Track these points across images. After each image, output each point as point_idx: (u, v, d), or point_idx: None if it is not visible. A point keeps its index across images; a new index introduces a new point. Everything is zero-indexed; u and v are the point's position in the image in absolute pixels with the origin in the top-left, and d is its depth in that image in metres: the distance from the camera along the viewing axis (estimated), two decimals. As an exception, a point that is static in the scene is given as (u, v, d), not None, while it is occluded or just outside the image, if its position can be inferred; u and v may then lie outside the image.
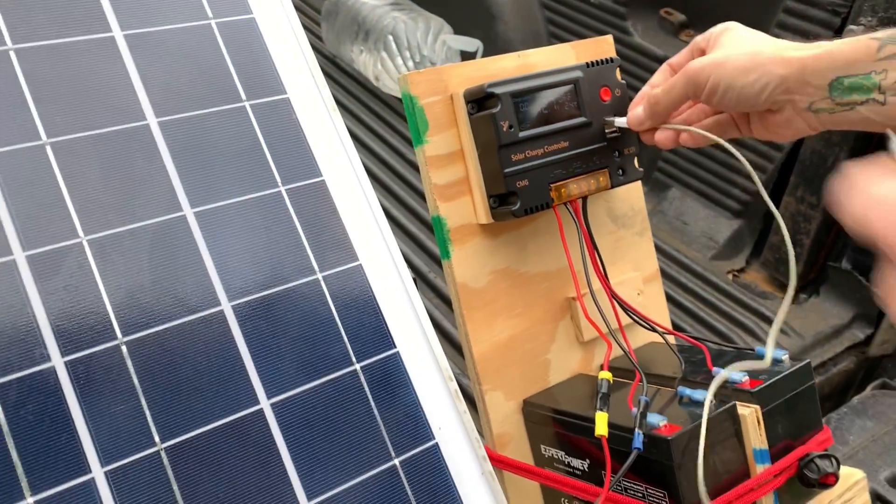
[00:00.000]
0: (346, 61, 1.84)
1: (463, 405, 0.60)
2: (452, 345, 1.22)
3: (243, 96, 0.61)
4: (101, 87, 0.57)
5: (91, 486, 0.47)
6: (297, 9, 2.06)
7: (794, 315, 1.23)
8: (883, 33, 0.59)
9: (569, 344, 0.85)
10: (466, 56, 1.71)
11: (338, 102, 1.76)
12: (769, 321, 1.21)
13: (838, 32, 1.14)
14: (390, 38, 1.67)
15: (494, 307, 0.80)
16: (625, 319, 0.80)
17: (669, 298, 1.25)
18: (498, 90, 0.73)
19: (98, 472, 0.48)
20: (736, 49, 0.65)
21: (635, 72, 1.49)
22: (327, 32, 1.86)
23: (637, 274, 0.91)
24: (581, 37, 1.59)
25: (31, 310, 0.49)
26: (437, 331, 1.20)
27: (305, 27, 2.08)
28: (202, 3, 0.62)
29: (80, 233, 0.52)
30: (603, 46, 0.88)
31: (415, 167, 1.45)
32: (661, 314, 0.94)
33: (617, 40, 1.54)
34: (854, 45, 0.60)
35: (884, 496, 0.96)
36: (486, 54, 1.67)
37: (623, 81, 0.81)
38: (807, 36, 1.20)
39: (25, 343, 0.48)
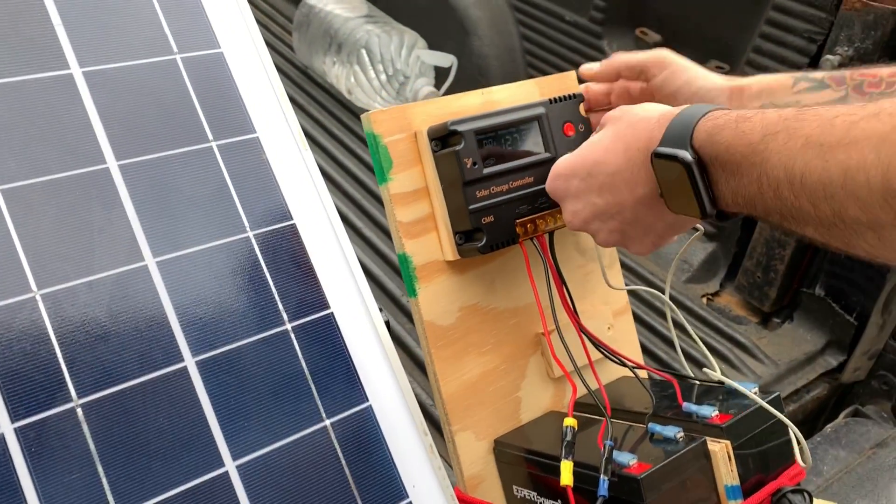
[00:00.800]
0: (318, 73, 1.81)
1: (438, 461, 0.58)
2: (425, 373, 1.19)
3: (210, 136, 0.58)
4: (58, 128, 0.53)
5: (42, 564, 0.44)
6: (269, 17, 2.01)
7: (767, 341, 1.23)
8: (799, 73, 0.74)
9: (540, 380, 0.84)
10: (440, 71, 1.69)
11: (309, 115, 1.73)
12: (743, 347, 1.20)
13: (814, 60, 1.14)
14: (363, 51, 1.64)
15: (463, 344, 0.78)
16: (596, 354, 0.80)
17: (642, 322, 1.24)
18: (461, 128, 0.72)
19: (50, 548, 0.45)
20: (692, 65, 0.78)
21: (610, 91, 1.48)
22: (299, 43, 1.83)
23: (607, 307, 0.90)
24: (556, 54, 1.57)
25: (-21, 372, 0.46)
26: (410, 359, 1.18)
27: (277, 36, 2.04)
28: (167, 37, 0.59)
29: (34, 287, 0.49)
30: (566, 82, 0.87)
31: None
32: (632, 347, 0.93)
33: (591, 59, 1.52)
34: (776, 79, 0.74)
35: (858, 530, 0.96)
36: (459, 70, 1.65)
37: (587, 117, 0.81)
38: (783, 62, 1.20)
39: (-28, 409, 0.45)
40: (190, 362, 0.52)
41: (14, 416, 0.46)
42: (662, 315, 1.26)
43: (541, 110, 0.76)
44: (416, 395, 1.11)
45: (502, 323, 0.80)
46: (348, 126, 1.71)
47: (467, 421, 0.77)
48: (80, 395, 0.48)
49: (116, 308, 0.51)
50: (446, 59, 1.62)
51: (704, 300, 1.30)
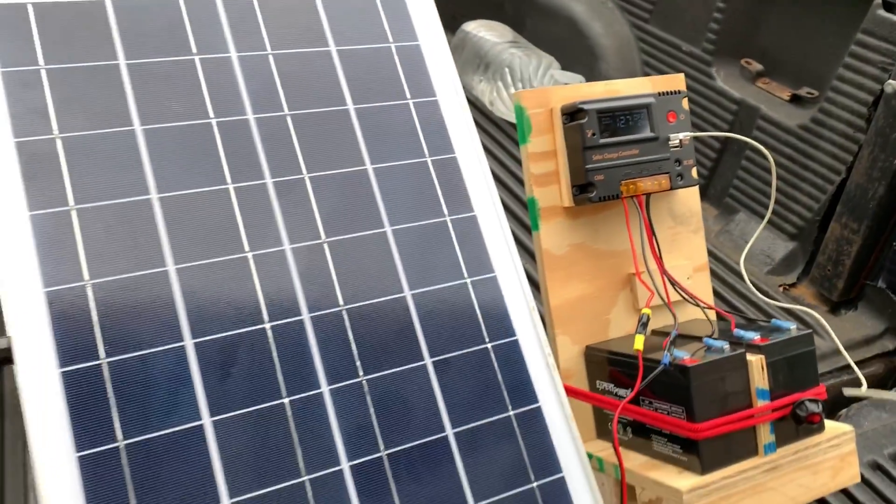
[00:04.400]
0: (466, 88, 2.15)
1: (556, 375, 0.82)
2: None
3: (408, 95, 0.90)
4: (313, 77, 0.86)
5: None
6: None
7: (832, 325, 1.39)
8: None
9: (626, 309, 1.02)
10: (571, 89, 1.99)
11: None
12: (807, 325, 1.40)
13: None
14: (507, 70, 1.96)
15: (570, 271, 0.98)
16: (675, 296, 0.97)
17: (724, 300, 1.46)
18: (587, 107, 0.94)
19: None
20: None
21: (716, 111, 1.72)
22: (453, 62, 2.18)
23: (688, 262, 1.10)
24: (671, 79, 1.84)
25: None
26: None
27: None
28: (385, 31, 0.92)
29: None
30: (674, 81, 1.09)
31: (518, 179, 1.72)
32: (706, 296, 1.12)
33: (702, 83, 1.78)
34: None
35: (882, 465, 1.15)
36: (587, 89, 1.94)
37: (687, 109, 1.05)
38: (861, 88, 1.41)
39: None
40: (408, 294, 0.83)
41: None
42: (742, 296, 1.47)
43: (651, 100, 0.96)
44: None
45: (602, 261, 0.99)
46: (489, 132, 2.03)
47: (567, 328, 0.97)
48: (346, 303, 0.80)
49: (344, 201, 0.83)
50: (576, 79, 1.92)
51: (781, 289, 1.51)
